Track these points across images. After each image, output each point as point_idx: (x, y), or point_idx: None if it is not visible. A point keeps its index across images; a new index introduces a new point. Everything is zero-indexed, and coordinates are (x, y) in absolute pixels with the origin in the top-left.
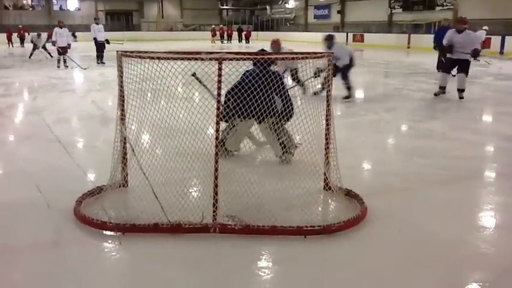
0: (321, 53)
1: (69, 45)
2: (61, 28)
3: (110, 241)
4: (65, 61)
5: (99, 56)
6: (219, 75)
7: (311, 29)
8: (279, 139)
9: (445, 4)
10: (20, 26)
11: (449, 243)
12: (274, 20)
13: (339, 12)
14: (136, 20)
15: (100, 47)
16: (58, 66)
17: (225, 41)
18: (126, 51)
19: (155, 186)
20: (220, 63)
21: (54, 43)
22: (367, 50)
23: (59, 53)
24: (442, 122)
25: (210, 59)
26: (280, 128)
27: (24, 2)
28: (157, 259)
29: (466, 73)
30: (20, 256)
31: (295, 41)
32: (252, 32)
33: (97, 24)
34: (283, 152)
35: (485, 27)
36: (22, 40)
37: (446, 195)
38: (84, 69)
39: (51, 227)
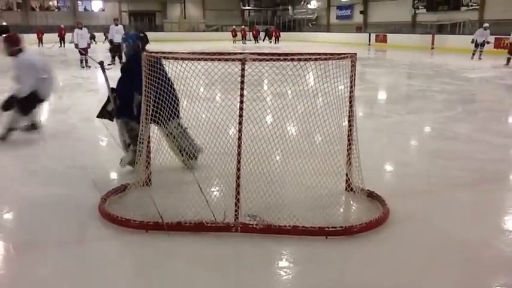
0: (344, 54)
1: (89, 46)
2: (81, 29)
3: (133, 238)
4: (86, 61)
5: (115, 57)
6: (242, 76)
7: (333, 29)
8: (178, 146)
9: (470, 4)
10: (61, 26)
11: (472, 246)
12: (296, 20)
13: (361, 12)
14: (159, 20)
15: (117, 48)
16: (82, 67)
17: (247, 42)
18: (151, 52)
19: (178, 184)
20: (243, 64)
21: (76, 45)
22: (390, 50)
23: (81, 54)
24: (466, 123)
25: (233, 60)
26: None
27: (50, 3)
28: (180, 257)
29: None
30: (47, 251)
31: (317, 41)
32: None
33: (116, 25)
34: (187, 159)
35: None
36: (62, 40)
37: (470, 197)
38: (107, 69)
39: (77, 224)
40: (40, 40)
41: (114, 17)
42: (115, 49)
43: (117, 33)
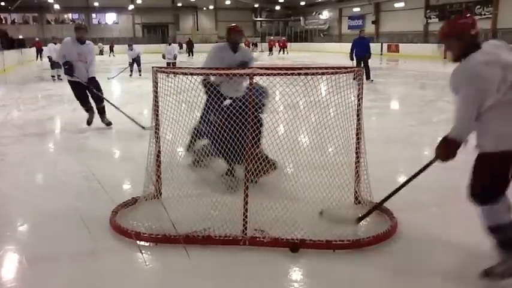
0: (351, 67)
1: None
2: (55, 44)
3: (143, 251)
4: (59, 76)
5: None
6: (250, 90)
7: (345, 39)
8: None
9: (483, 13)
10: (36, 39)
11: (483, 261)
12: (308, 31)
13: (373, 22)
14: (172, 32)
15: (54, 65)
16: (54, 80)
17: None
18: (161, 67)
19: (187, 197)
20: (251, 79)
21: (50, 58)
22: (403, 60)
23: (52, 68)
24: None
25: (241, 74)
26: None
27: (65, 16)
28: (188, 270)
29: None
30: (60, 263)
31: (329, 51)
32: (286, 43)
33: (55, 44)
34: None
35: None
36: (39, 53)
37: None
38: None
39: (88, 237)
40: (39, 53)
41: (52, 35)
42: (54, 65)
43: (55, 52)
